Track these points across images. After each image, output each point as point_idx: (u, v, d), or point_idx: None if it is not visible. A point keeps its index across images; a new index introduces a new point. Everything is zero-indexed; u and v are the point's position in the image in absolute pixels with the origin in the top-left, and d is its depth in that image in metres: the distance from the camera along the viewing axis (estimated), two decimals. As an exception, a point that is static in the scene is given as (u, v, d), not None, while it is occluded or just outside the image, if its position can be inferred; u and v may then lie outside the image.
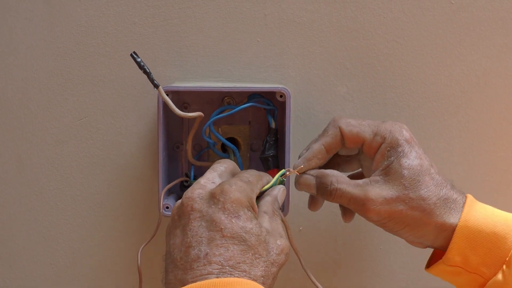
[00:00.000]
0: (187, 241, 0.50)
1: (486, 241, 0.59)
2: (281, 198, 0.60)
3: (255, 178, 0.57)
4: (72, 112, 0.75)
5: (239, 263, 0.49)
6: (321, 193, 0.62)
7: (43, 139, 0.76)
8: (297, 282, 0.77)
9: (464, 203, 0.61)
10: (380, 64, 0.74)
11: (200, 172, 0.72)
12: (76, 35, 0.73)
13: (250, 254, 0.50)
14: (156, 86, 0.62)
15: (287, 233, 0.64)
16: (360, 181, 0.61)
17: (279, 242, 0.54)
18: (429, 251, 0.66)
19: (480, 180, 0.77)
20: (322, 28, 0.73)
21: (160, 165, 0.68)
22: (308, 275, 0.62)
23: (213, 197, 0.52)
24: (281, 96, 0.67)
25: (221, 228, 0.50)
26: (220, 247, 0.50)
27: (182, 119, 0.71)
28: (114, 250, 0.78)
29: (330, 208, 0.76)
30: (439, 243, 0.61)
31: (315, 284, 0.61)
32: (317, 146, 0.64)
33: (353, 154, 0.66)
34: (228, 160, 0.61)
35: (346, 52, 0.73)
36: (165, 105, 0.63)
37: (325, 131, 0.64)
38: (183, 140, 0.72)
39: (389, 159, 0.61)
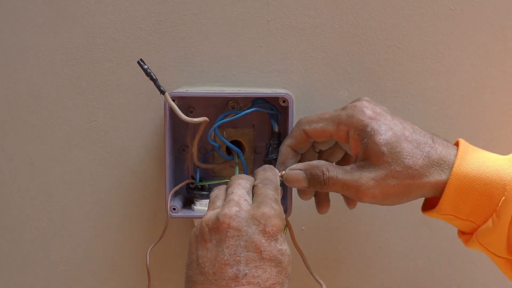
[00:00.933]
0: (223, 258, 0.51)
1: (477, 192, 0.59)
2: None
3: (277, 193, 0.57)
4: (81, 116, 0.77)
5: (274, 284, 0.51)
6: (314, 184, 0.62)
7: (53, 143, 0.78)
8: (301, 280, 0.79)
9: (456, 154, 0.61)
10: (381, 68, 0.75)
11: (205, 174, 0.74)
12: (84, 41, 0.75)
13: (283, 275, 0.52)
14: (162, 92, 0.64)
15: (290, 233, 0.65)
16: (347, 167, 0.62)
17: (288, 252, 0.55)
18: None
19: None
20: (324, 34, 0.74)
21: (167, 167, 0.69)
22: (311, 273, 0.64)
23: (254, 218, 0.52)
24: (284, 102, 0.68)
25: (261, 250, 0.51)
26: (259, 268, 0.51)
27: (188, 122, 0.72)
28: (123, 250, 0.80)
29: (332, 208, 0.77)
30: (437, 195, 0.62)
31: (318, 282, 0.63)
32: (283, 149, 0.66)
33: (332, 145, 0.67)
34: (245, 175, 0.61)
35: (347, 57, 0.75)
36: (172, 109, 0.65)
37: (290, 133, 0.66)
38: (188, 143, 0.74)
39: (363, 142, 0.61)
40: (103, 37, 0.75)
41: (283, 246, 0.53)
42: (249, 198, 0.55)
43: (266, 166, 0.62)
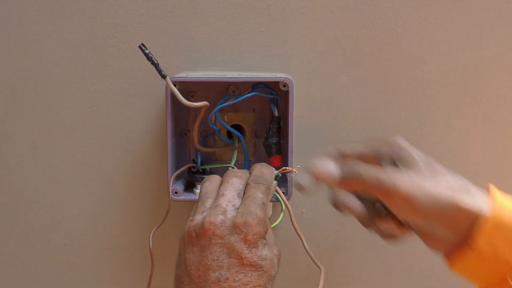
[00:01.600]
0: (207, 263, 0.54)
1: None
2: (270, 195, 0.62)
3: (266, 196, 0.59)
4: (83, 101, 0.78)
5: (255, 287, 0.54)
6: (348, 178, 0.58)
7: (56, 127, 0.78)
8: (300, 264, 0.80)
9: (488, 191, 0.57)
10: (380, 52, 0.75)
11: (207, 158, 0.75)
12: (85, 26, 0.76)
13: (265, 277, 0.55)
14: (163, 76, 0.64)
15: (290, 217, 0.66)
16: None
17: (276, 252, 0.58)
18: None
19: (477, 165, 0.79)
20: (324, 18, 0.75)
21: (169, 151, 0.70)
22: (311, 257, 0.64)
23: (236, 227, 0.55)
24: (284, 86, 0.69)
25: (242, 257, 0.54)
26: (240, 273, 0.54)
27: (189, 107, 0.73)
28: (126, 233, 0.81)
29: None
30: (464, 232, 0.56)
31: (317, 266, 0.64)
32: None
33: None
34: (241, 171, 0.62)
35: (347, 41, 0.75)
36: (173, 94, 0.66)
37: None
38: (190, 127, 0.74)
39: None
40: (104, 22, 0.75)
41: (263, 252, 0.56)
42: (238, 202, 0.58)
43: (264, 163, 0.63)
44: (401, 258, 0.81)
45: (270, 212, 0.74)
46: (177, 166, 0.73)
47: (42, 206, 0.81)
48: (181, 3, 0.75)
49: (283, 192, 0.68)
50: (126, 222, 0.80)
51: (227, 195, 0.58)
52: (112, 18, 0.75)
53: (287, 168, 0.65)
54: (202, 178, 0.72)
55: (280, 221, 0.66)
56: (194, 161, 0.74)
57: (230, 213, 0.56)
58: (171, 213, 0.71)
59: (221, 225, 0.55)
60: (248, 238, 0.55)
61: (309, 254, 0.65)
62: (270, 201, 0.69)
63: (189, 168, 0.74)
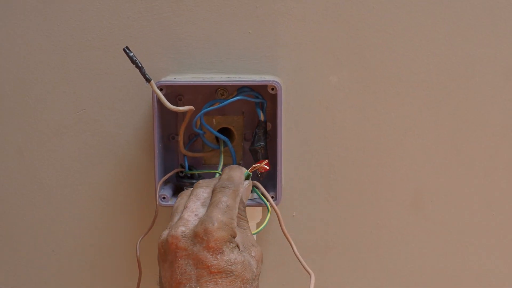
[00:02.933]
0: (177, 278, 0.54)
1: None
2: (246, 196, 0.62)
3: (232, 198, 0.58)
4: (69, 105, 0.77)
5: None
6: None
7: (42, 131, 0.77)
8: (291, 268, 0.80)
9: None
10: (370, 53, 0.75)
11: (195, 162, 0.74)
12: (71, 29, 0.75)
13: (239, 282, 0.54)
14: (148, 80, 0.63)
15: (279, 221, 0.65)
16: None
17: (254, 253, 0.57)
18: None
19: (468, 166, 0.78)
20: (313, 19, 0.74)
21: (156, 156, 0.69)
22: (301, 262, 0.64)
23: (197, 236, 0.54)
24: (272, 89, 0.68)
25: (208, 266, 0.53)
26: (210, 282, 0.53)
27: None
28: (113, 239, 0.80)
29: (322, 194, 0.78)
30: None
31: (306, 270, 0.63)
32: None
33: None
34: (208, 180, 0.62)
35: (337, 42, 0.74)
36: (158, 97, 0.65)
37: None
38: (178, 131, 0.74)
39: None
40: (91, 25, 0.75)
41: (231, 256, 0.54)
42: (202, 211, 0.57)
43: (234, 165, 0.63)
44: (393, 260, 0.80)
45: (259, 216, 0.74)
46: (165, 170, 0.72)
47: (29, 211, 0.80)
48: (168, 5, 0.74)
49: (272, 197, 0.67)
50: (114, 228, 0.80)
51: (190, 206, 0.58)
52: (98, 21, 0.74)
53: (255, 165, 0.64)
54: (190, 183, 0.72)
55: (266, 223, 0.65)
56: (182, 166, 0.73)
57: (192, 223, 0.56)
58: (159, 219, 0.70)
59: (182, 237, 0.55)
60: (210, 245, 0.54)
61: (299, 260, 0.64)
62: (259, 206, 0.68)
63: (177, 173, 0.73)
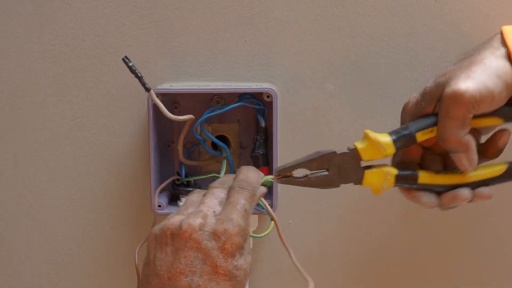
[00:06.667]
0: (179, 267, 0.53)
1: None
2: (257, 201, 0.61)
3: (250, 203, 0.57)
4: (65, 113, 0.76)
5: None
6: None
7: (38, 140, 0.77)
8: (288, 276, 0.79)
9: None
10: (366, 61, 0.75)
11: (192, 170, 0.74)
12: (66, 37, 0.75)
13: (238, 287, 0.54)
14: (147, 90, 0.64)
15: (277, 229, 0.65)
16: None
17: (249, 260, 0.56)
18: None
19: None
20: (309, 27, 0.74)
21: (152, 164, 0.69)
22: (298, 269, 0.64)
23: (215, 234, 0.53)
24: (268, 97, 0.68)
25: (216, 265, 0.53)
26: (212, 281, 0.52)
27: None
28: (110, 248, 0.80)
29: (319, 202, 0.78)
30: None
31: (304, 277, 0.63)
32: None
33: None
34: (224, 178, 0.61)
35: (332, 50, 0.75)
36: (155, 105, 0.65)
37: None
38: (174, 139, 0.74)
39: None
40: (86, 33, 0.75)
41: (239, 261, 0.54)
42: (219, 209, 0.56)
43: (251, 167, 0.61)
44: (388, 268, 0.80)
45: (256, 224, 0.74)
46: (161, 178, 0.72)
47: (24, 220, 0.80)
48: (163, 13, 0.74)
49: (269, 204, 0.67)
50: (111, 236, 0.79)
51: (208, 202, 0.56)
52: (94, 29, 0.74)
53: (281, 175, 0.61)
54: (186, 191, 0.72)
55: (270, 231, 0.65)
56: (179, 174, 0.73)
57: (211, 219, 0.54)
58: (156, 227, 0.70)
59: (200, 230, 0.53)
60: (226, 247, 0.53)
61: (296, 267, 0.64)
62: (257, 213, 0.68)
63: (174, 180, 0.73)
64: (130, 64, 0.62)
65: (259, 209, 0.67)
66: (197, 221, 0.54)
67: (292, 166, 0.61)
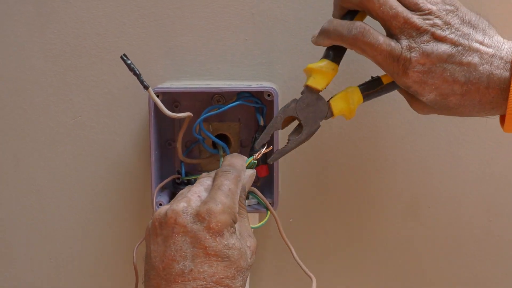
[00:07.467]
0: (170, 254, 0.52)
1: None
2: (249, 185, 0.62)
3: (234, 183, 0.57)
4: (66, 112, 0.77)
5: (222, 278, 0.52)
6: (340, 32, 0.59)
7: (38, 139, 0.77)
8: (290, 272, 0.79)
9: None
10: (366, 59, 0.74)
11: (192, 169, 0.74)
12: (67, 36, 0.75)
13: (233, 268, 0.53)
14: (146, 87, 0.64)
15: (277, 226, 0.65)
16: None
17: (249, 243, 0.56)
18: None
19: (467, 171, 0.78)
20: (308, 26, 0.74)
21: (152, 163, 0.69)
22: (300, 266, 0.64)
23: (199, 215, 0.53)
24: (268, 95, 0.68)
25: (205, 247, 0.52)
26: (204, 264, 0.52)
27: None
28: (110, 246, 0.80)
29: (320, 199, 0.78)
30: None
31: (306, 274, 0.63)
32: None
33: None
34: (212, 171, 0.61)
35: (332, 49, 0.75)
36: (156, 105, 0.65)
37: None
38: (175, 137, 0.74)
39: None
40: (87, 32, 0.75)
41: (230, 240, 0.53)
42: (204, 194, 0.56)
43: (235, 153, 0.63)
44: (390, 264, 0.80)
45: (256, 222, 0.74)
46: (162, 176, 0.72)
47: (25, 219, 0.80)
48: (164, 12, 0.74)
49: (269, 203, 0.67)
50: (111, 234, 0.79)
51: (194, 189, 0.57)
52: (95, 28, 0.75)
53: (260, 151, 0.63)
54: (187, 190, 0.72)
55: (266, 221, 0.65)
56: (179, 172, 0.73)
57: (195, 202, 0.54)
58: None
59: (183, 213, 0.53)
60: (211, 226, 0.52)
61: (299, 264, 0.64)
62: (256, 212, 0.68)
63: (174, 179, 0.73)
64: (129, 61, 0.62)
65: (258, 208, 0.68)
66: (180, 205, 0.54)
67: (265, 135, 0.63)
